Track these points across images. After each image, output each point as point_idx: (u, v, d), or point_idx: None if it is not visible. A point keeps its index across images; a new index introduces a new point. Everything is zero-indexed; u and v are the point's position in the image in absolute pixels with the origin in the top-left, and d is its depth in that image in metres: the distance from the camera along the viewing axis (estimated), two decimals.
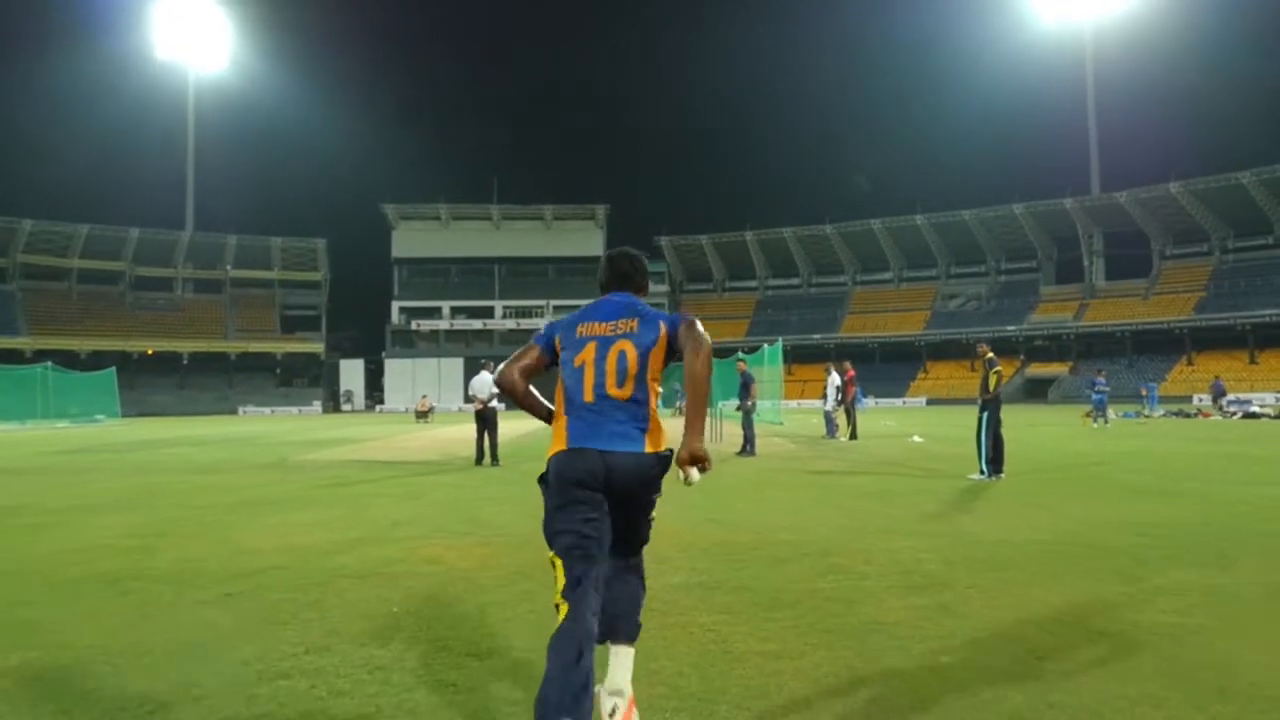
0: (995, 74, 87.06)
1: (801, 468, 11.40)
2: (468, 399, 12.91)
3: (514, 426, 26.34)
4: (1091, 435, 18.86)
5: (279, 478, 10.72)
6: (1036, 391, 70.67)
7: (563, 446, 2.78)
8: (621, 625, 2.84)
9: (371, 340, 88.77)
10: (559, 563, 2.67)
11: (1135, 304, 72.59)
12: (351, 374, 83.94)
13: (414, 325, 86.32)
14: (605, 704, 2.70)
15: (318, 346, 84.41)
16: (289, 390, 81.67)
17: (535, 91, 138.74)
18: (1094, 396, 22.78)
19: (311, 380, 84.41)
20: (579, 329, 2.90)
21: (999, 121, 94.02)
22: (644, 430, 2.77)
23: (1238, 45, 77.82)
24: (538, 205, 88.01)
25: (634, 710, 2.81)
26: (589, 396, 2.77)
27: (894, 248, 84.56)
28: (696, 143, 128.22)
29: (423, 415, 38.09)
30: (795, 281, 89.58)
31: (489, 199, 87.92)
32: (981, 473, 9.63)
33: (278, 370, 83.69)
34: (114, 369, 46.78)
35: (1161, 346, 68.76)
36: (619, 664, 2.81)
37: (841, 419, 18.59)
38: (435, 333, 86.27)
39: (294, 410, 74.18)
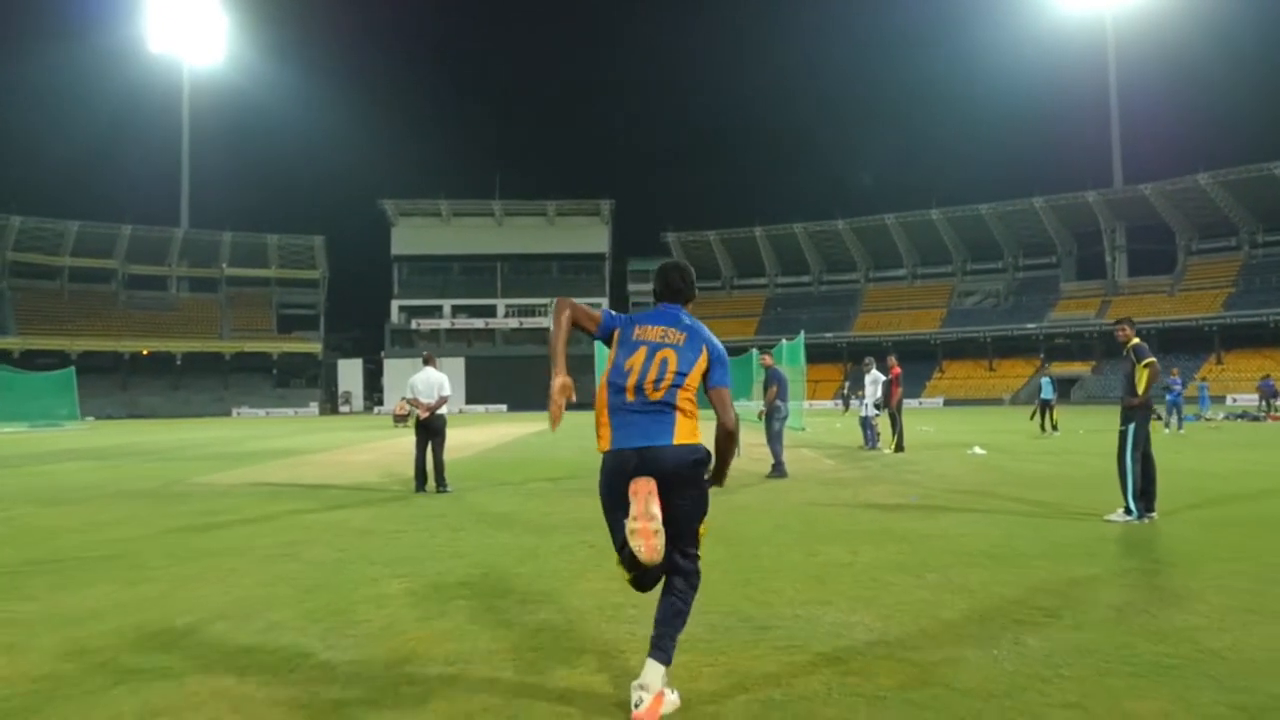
0: (1013, 63, 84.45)
1: (855, 499, 8.44)
2: (404, 404, 10.22)
3: (480, 434, 24.31)
4: (1175, 444, 16.32)
5: (137, 513, 7.89)
6: (1059, 392, 68.00)
7: (606, 447, 3.12)
8: (663, 641, 3.04)
9: (371, 340, 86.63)
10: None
11: (1160, 300, 69.91)
12: (350, 374, 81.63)
13: (414, 324, 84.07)
14: (633, 695, 2.97)
15: (315, 346, 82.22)
16: (286, 391, 79.58)
17: (539, 84, 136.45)
18: (1168, 397, 20.19)
19: (309, 381, 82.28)
20: (635, 331, 3.22)
21: (1017, 113, 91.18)
22: (674, 427, 3.06)
23: (1266, 31, 74.95)
24: (541, 200, 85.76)
25: (661, 701, 2.97)
26: (630, 395, 3.09)
27: (908, 244, 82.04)
28: (704, 136, 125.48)
29: (401, 419, 34.70)
30: (806, 279, 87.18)
31: (491, 194, 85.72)
32: (1128, 512, 6.83)
33: (274, 371, 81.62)
34: (72, 369, 44.52)
35: (1189, 345, 66.10)
36: (653, 670, 3.00)
37: (884, 426, 16.07)
38: (436, 332, 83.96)
39: (290, 412, 72.13)
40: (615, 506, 3.08)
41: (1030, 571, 4.94)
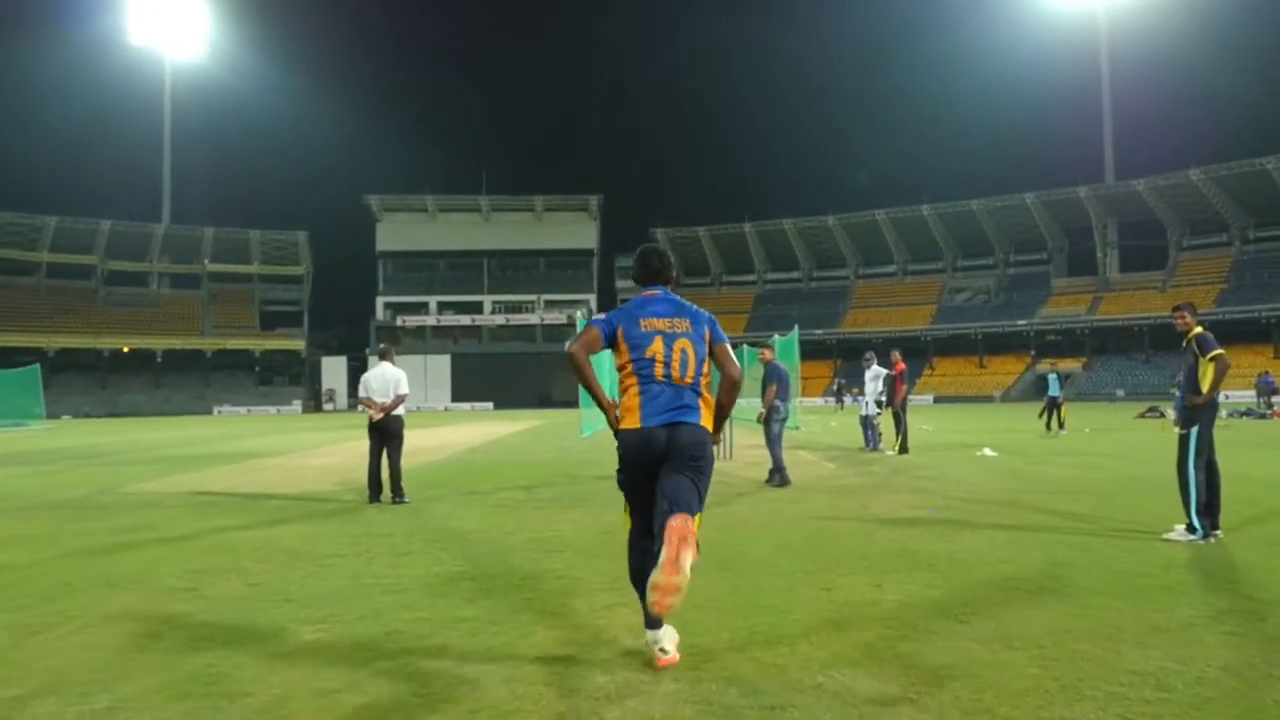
0: (1004, 57, 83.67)
1: (866, 511, 7.41)
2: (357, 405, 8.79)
3: (459, 434, 23.23)
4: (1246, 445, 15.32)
5: (42, 529, 6.70)
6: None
7: (635, 424, 3.36)
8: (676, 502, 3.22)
9: (355, 337, 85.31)
10: (629, 509, 3.52)
11: (1152, 296, 69.38)
12: (334, 372, 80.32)
13: (399, 321, 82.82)
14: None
15: (299, 344, 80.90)
16: (268, 389, 78.27)
17: (526, 78, 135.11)
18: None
19: (292, 379, 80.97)
20: (642, 323, 3.49)
21: (1008, 108, 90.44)
22: (699, 407, 3.43)
23: (1259, 24, 74.50)
24: (528, 196, 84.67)
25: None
26: (660, 375, 3.41)
27: (898, 239, 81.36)
28: (693, 131, 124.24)
29: None
30: (795, 275, 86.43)
31: (477, 190, 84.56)
32: (1191, 530, 5.77)
33: (257, 369, 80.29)
34: (37, 365, 43.23)
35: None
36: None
37: (887, 425, 14.98)
38: (422, 329, 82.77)
39: (273, 410, 70.91)
40: (637, 483, 3.38)
41: (1100, 614, 3.94)
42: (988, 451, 13.40)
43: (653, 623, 3.36)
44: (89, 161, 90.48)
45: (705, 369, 3.50)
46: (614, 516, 7.19)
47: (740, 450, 14.27)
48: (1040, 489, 8.69)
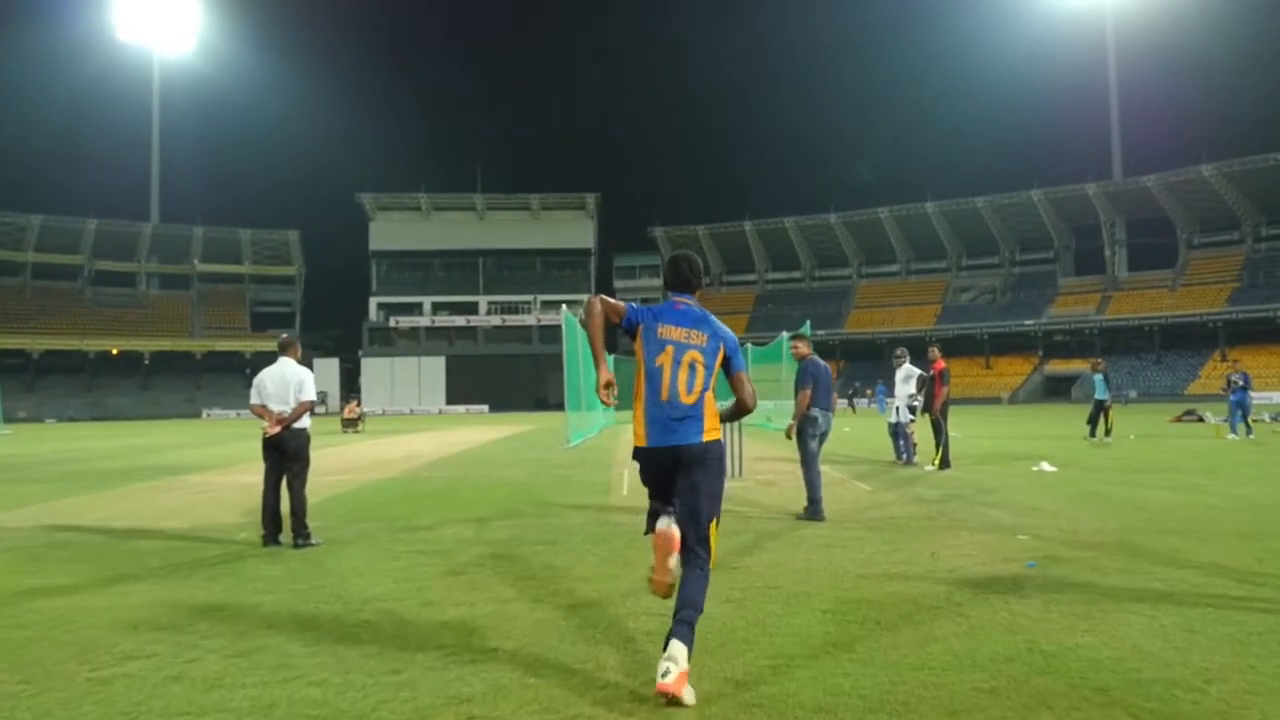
0: (1010, 52, 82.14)
1: (937, 565, 5.45)
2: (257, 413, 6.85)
3: (437, 441, 20.62)
4: (1258, 454, 13.65)
5: None
6: (1057, 390, 65.86)
7: (643, 444, 3.55)
8: (684, 620, 3.28)
9: (348, 339, 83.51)
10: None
11: (1162, 296, 67.75)
12: (326, 374, 78.28)
13: (393, 322, 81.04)
14: (660, 666, 3.17)
15: None
16: None
17: (522, 74, 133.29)
18: (1231, 397, 17.46)
19: None
20: (659, 330, 3.61)
21: (1014, 103, 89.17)
22: (703, 426, 3.54)
23: (1273, 14, 72.67)
24: (524, 194, 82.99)
25: (685, 683, 3.15)
26: (665, 396, 3.53)
27: (902, 238, 79.70)
28: (693, 127, 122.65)
29: (350, 424, 30.54)
30: (797, 274, 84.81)
31: (472, 188, 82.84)
32: None
33: (247, 371, 78.20)
34: None
35: (1192, 341, 64.05)
36: (678, 647, 3.20)
37: (921, 432, 12.93)
38: (415, 330, 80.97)
39: None
40: (654, 484, 3.61)
41: None
42: (1045, 466, 11.40)
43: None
44: (75, 159, 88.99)
45: (713, 383, 3.63)
46: (588, 569, 5.33)
47: (751, 465, 12.12)
48: (1151, 524, 6.70)
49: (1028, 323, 70.65)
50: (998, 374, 69.99)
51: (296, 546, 6.45)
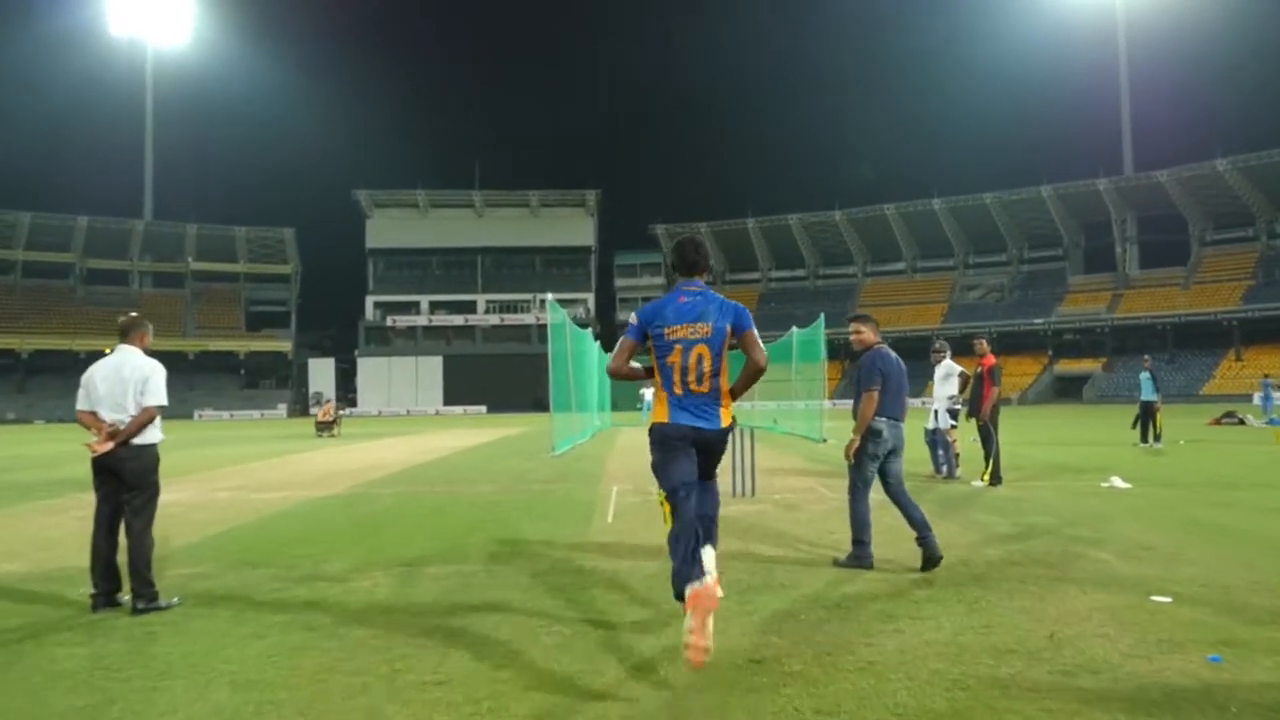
0: (1019, 44, 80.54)
1: (1062, 658, 3.54)
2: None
3: (412, 447, 18.67)
4: None
5: None
6: (1068, 391, 64.47)
7: (665, 420, 3.86)
8: (711, 528, 3.92)
9: (344, 338, 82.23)
10: (664, 495, 3.82)
11: (1174, 294, 66.26)
12: (322, 374, 77.16)
13: (390, 321, 79.76)
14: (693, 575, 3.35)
15: (285, 345, 77.90)
16: (254, 392, 75.41)
17: (521, 70, 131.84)
18: (1271, 402, 16.08)
19: (279, 381, 78.04)
20: (666, 332, 3.85)
21: (1023, 97, 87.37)
22: (719, 411, 3.88)
23: None
24: (523, 191, 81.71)
25: (718, 585, 3.37)
26: (679, 390, 3.84)
27: (908, 235, 78.30)
28: (696, 122, 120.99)
29: (324, 427, 27.88)
30: (801, 273, 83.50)
31: (471, 184, 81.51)
32: None
33: (242, 371, 77.51)
34: None
35: (1206, 340, 62.55)
36: (708, 556, 3.50)
37: (963, 439, 11.20)
38: (413, 329, 79.68)
39: (256, 414, 68.08)
40: (668, 461, 3.82)
41: None
42: (1117, 481, 9.48)
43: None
44: (66, 155, 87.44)
45: (723, 365, 3.87)
46: (540, 658, 3.65)
47: (766, 479, 10.00)
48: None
49: (1037, 321, 69.24)
50: (1006, 374, 67.99)
51: (136, 611, 4.56)
